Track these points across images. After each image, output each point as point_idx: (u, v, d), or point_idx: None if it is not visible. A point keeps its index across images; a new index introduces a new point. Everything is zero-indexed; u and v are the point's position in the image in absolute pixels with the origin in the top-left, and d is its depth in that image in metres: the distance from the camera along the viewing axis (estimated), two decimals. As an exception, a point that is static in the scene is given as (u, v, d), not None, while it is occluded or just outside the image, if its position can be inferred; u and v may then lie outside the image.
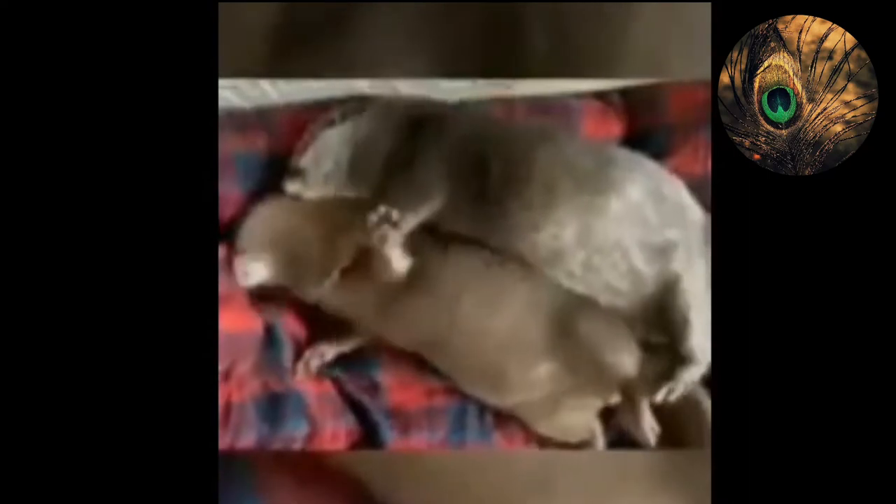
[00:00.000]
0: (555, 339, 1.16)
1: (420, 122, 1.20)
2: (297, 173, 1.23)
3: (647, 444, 1.17)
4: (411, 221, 1.17)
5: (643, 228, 1.12)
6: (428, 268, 1.20)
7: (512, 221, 1.14)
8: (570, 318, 1.16)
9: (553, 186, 1.12)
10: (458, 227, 1.19)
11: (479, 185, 1.15)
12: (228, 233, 1.24)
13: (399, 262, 1.18)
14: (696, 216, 1.15)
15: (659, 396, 1.15)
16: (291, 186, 1.23)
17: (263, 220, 1.25)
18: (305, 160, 1.23)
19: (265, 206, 1.25)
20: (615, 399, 1.19)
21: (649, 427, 1.16)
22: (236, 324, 1.17)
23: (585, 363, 1.16)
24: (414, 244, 1.19)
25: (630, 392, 1.18)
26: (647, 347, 1.18)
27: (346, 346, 1.25)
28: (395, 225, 1.14)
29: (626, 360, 1.16)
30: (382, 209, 1.14)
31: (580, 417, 1.21)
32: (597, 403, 1.21)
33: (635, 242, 1.11)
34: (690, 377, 1.15)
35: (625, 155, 1.19)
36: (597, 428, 1.21)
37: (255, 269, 1.22)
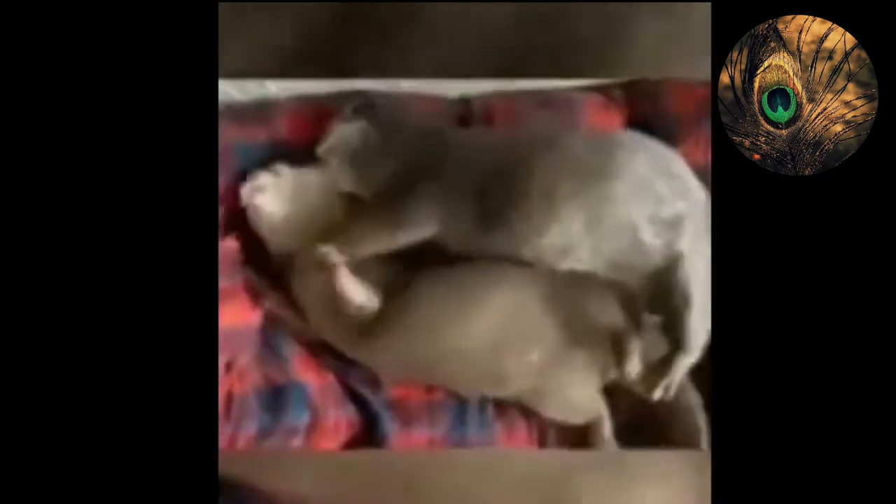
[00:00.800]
0: (549, 315, 1.16)
1: (422, 148, 1.21)
2: (318, 161, 1.26)
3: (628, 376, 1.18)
4: (369, 250, 1.20)
5: (653, 203, 1.11)
6: (397, 303, 1.20)
7: (516, 232, 1.14)
8: (565, 292, 1.16)
9: (553, 192, 1.12)
10: (456, 247, 1.20)
11: (478, 206, 1.16)
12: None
13: (356, 293, 1.19)
14: (702, 196, 1.14)
15: (657, 393, 1.15)
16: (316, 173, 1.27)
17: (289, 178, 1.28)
18: (322, 150, 1.25)
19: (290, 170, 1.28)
20: (613, 374, 1.20)
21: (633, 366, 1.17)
22: (237, 317, 1.17)
23: (584, 330, 1.16)
24: (379, 280, 1.21)
25: (621, 343, 1.18)
26: (646, 327, 1.17)
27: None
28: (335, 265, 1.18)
29: (616, 317, 1.17)
30: (323, 250, 1.18)
31: (584, 395, 1.21)
32: (596, 378, 1.20)
33: (645, 218, 1.11)
34: (685, 366, 1.15)
35: (629, 136, 1.19)
36: (602, 407, 1.21)
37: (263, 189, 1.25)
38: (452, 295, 1.18)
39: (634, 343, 1.16)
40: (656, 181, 1.11)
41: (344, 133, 1.25)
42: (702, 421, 1.18)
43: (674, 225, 1.11)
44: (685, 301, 1.12)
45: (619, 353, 1.18)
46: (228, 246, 1.24)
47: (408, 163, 1.21)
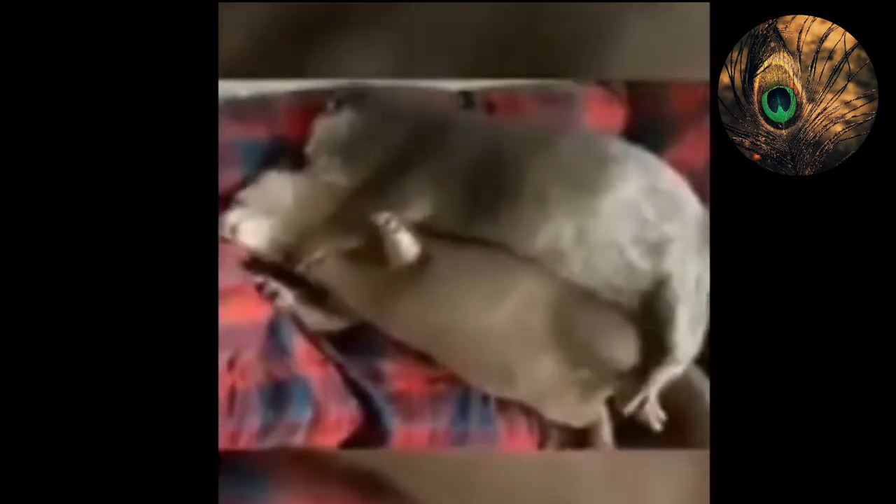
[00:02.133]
0: (556, 331, 1.17)
1: (420, 133, 1.21)
2: (306, 160, 1.26)
3: (653, 429, 1.18)
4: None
5: (639, 225, 1.13)
6: (428, 266, 1.21)
7: (505, 229, 1.16)
8: (569, 310, 1.17)
9: (545, 195, 1.14)
10: (448, 234, 1.21)
11: (470, 198, 1.17)
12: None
13: (409, 248, 1.20)
14: (694, 211, 1.16)
15: (631, 407, 1.16)
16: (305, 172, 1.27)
17: (272, 186, 1.27)
18: (309, 147, 1.26)
19: (277, 175, 1.27)
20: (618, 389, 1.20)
21: (654, 415, 1.17)
22: (242, 314, 1.18)
23: (585, 354, 1.17)
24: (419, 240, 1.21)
25: (632, 380, 1.18)
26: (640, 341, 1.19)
27: (333, 325, 1.27)
28: (395, 229, 1.17)
29: (623, 350, 1.17)
30: (385, 216, 1.17)
31: (586, 403, 1.21)
32: (602, 392, 1.21)
33: (630, 239, 1.12)
34: (666, 378, 1.16)
35: (622, 150, 1.20)
36: (603, 412, 1.22)
37: (252, 230, 1.24)
38: (470, 277, 1.19)
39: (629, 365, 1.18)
40: (643, 203, 1.13)
41: (329, 126, 1.25)
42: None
43: (660, 245, 1.13)
44: (670, 317, 1.13)
45: (620, 380, 1.19)
46: (235, 246, 1.24)
47: (400, 149, 1.21)
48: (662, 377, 1.15)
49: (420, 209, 1.19)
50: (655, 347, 1.15)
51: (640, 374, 1.16)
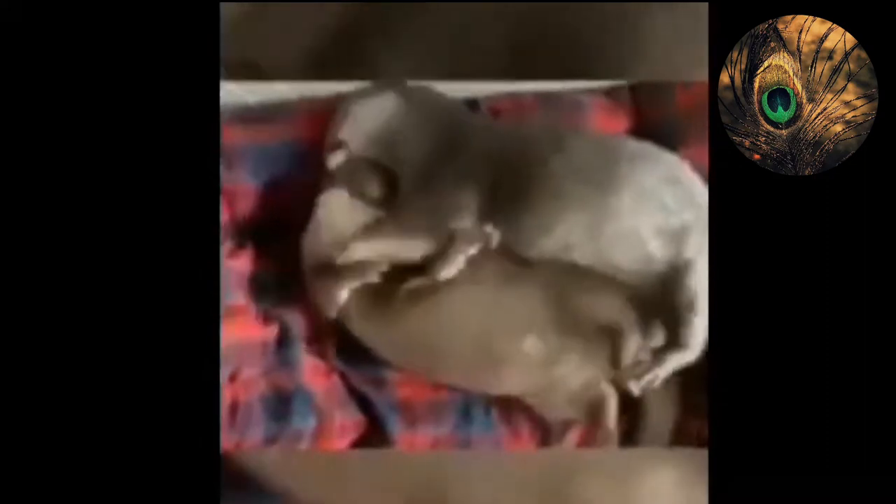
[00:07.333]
0: (540, 308, 1.17)
1: (453, 132, 1.22)
2: (339, 145, 1.24)
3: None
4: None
5: (660, 214, 1.12)
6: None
7: (524, 230, 1.15)
8: (562, 291, 1.17)
9: (562, 195, 1.13)
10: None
11: (491, 198, 1.17)
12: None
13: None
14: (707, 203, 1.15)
15: (643, 382, 1.15)
16: (334, 159, 1.24)
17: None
18: (344, 132, 1.25)
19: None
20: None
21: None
22: (243, 331, 1.18)
23: (578, 331, 1.16)
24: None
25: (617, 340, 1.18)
26: (645, 325, 1.18)
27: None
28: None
29: (614, 313, 1.17)
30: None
31: (585, 384, 1.20)
32: (597, 370, 1.20)
33: (652, 229, 1.12)
34: (678, 363, 1.15)
35: (636, 147, 1.19)
36: (610, 393, 1.21)
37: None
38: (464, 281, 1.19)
39: (630, 340, 1.17)
40: (662, 193, 1.13)
41: (366, 113, 1.25)
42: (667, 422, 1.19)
43: (679, 235, 1.12)
44: (689, 305, 1.12)
45: (615, 349, 1.18)
46: (238, 264, 1.24)
47: (438, 141, 1.21)
48: (675, 362, 1.14)
49: (470, 215, 1.19)
50: (670, 333, 1.14)
51: (655, 355, 1.16)
